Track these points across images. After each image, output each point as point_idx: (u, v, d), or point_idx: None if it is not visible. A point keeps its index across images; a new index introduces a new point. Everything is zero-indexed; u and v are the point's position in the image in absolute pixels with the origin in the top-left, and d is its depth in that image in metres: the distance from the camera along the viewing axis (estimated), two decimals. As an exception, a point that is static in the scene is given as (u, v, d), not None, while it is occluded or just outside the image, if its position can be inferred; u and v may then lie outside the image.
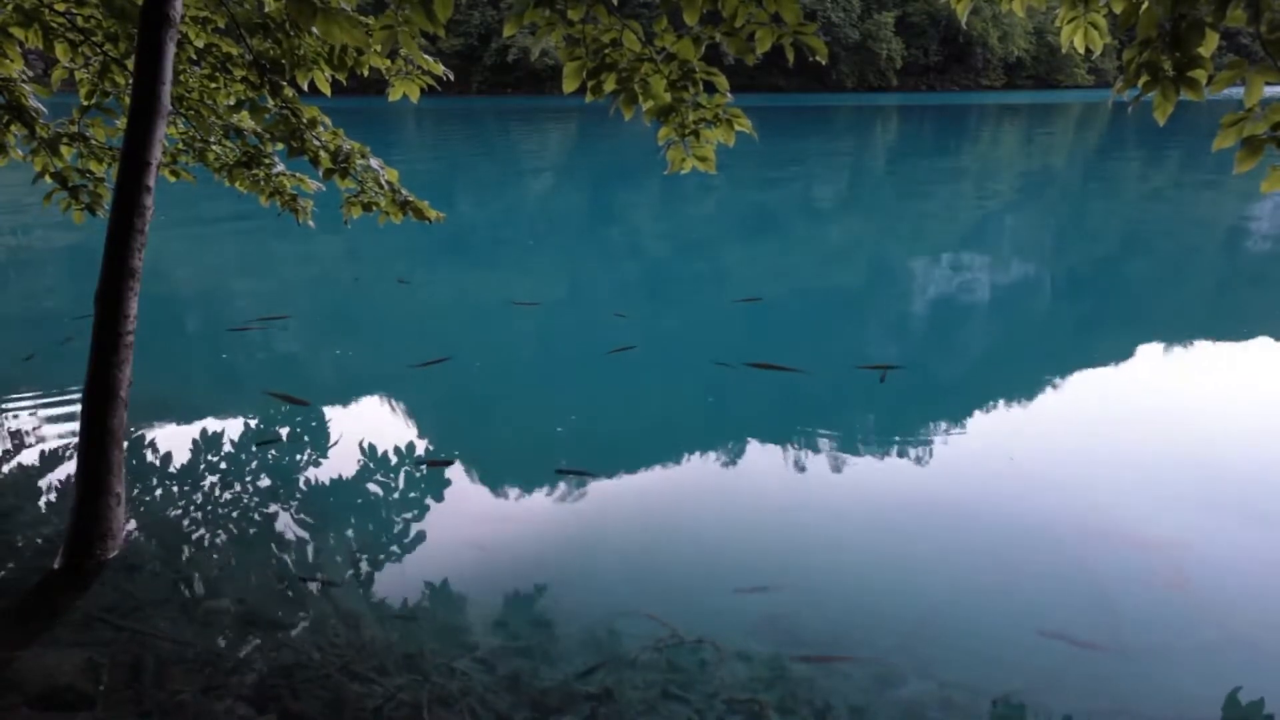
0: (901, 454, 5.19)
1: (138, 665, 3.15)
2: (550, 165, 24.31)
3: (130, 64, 4.65)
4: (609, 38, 3.71)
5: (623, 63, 3.75)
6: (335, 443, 5.31)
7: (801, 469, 5.02)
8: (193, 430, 5.42)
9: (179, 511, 4.39)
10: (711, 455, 5.20)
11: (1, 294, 9.52)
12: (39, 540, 4.04)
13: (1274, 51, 2.63)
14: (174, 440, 5.27)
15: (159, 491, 4.61)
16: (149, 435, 5.31)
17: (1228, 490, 4.74)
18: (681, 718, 2.99)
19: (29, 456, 4.99)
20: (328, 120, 5.15)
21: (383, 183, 5.31)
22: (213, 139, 5.48)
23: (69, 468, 4.79)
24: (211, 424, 5.53)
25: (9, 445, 5.14)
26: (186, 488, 4.66)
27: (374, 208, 5.42)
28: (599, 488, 4.75)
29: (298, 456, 5.11)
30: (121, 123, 5.08)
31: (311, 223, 5.78)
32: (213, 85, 5.18)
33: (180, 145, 5.57)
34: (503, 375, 6.66)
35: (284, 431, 5.44)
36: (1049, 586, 3.81)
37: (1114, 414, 5.89)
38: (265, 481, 4.76)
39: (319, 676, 3.13)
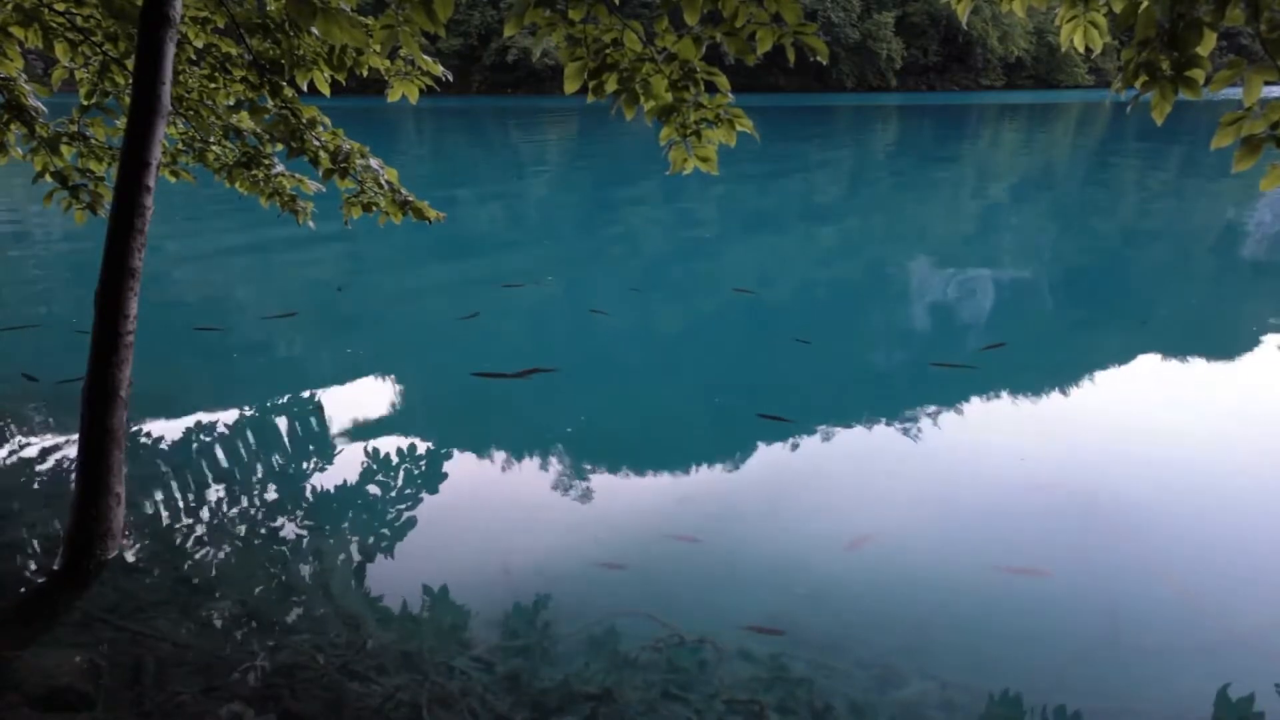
0: (903, 454, 5.19)
1: (138, 666, 3.15)
2: (556, 167, 24.32)
3: (130, 64, 4.65)
4: (610, 38, 3.71)
5: (624, 63, 3.75)
6: (336, 442, 5.31)
7: (802, 468, 5.02)
8: (193, 430, 5.42)
9: (179, 511, 4.39)
10: (712, 455, 5.20)
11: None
12: (39, 540, 4.04)
13: (1272, 50, 2.63)
14: (174, 440, 5.27)
15: (159, 491, 4.61)
16: (149, 435, 5.31)
17: (1229, 490, 4.75)
18: (681, 718, 3.00)
19: (29, 456, 4.99)
20: (327, 120, 5.15)
21: (382, 182, 5.31)
22: (212, 139, 5.48)
23: (69, 468, 4.80)
24: (212, 424, 5.53)
25: (9, 445, 5.14)
26: (186, 488, 4.66)
27: (374, 208, 5.42)
28: (601, 487, 4.76)
29: (298, 456, 5.11)
30: (121, 122, 5.08)
31: (312, 223, 5.78)
32: (212, 85, 5.18)
33: (180, 145, 5.57)
34: (507, 373, 6.66)
35: (285, 431, 5.44)
36: (1049, 586, 3.81)
37: (1116, 415, 5.90)
38: (265, 481, 4.76)
39: (319, 676, 3.13)
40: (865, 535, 4.23)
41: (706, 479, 4.90)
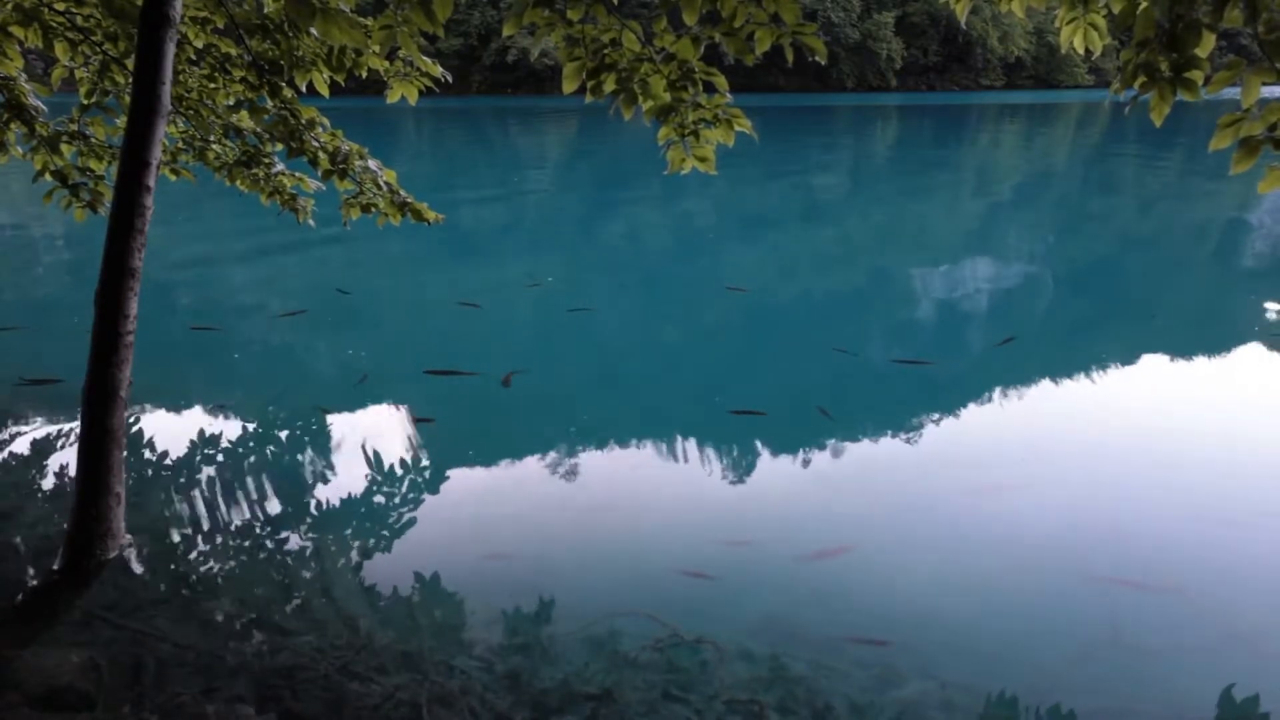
0: (905, 453, 5.19)
1: (138, 665, 3.15)
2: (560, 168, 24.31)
3: (130, 63, 4.65)
4: (608, 38, 3.71)
5: (622, 63, 3.75)
6: (335, 443, 5.31)
7: (803, 467, 5.02)
8: (193, 430, 5.42)
9: (179, 511, 4.39)
10: (709, 453, 5.20)
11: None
12: (39, 540, 4.04)
13: (1271, 52, 2.63)
14: (174, 440, 5.27)
15: (159, 491, 4.62)
16: (149, 435, 5.31)
17: (1228, 490, 4.75)
18: (681, 718, 3.00)
19: (29, 456, 4.99)
20: (326, 121, 5.15)
21: (381, 184, 5.31)
22: (212, 138, 5.48)
23: (69, 468, 4.80)
24: (212, 423, 5.53)
25: (9, 445, 5.14)
26: (186, 488, 4.67)
27: (372, 209, 5.42)
28: (601, 487, 4.76)
29: (298, 457, 5.12)
30: (121, 121, 5.08)
31: (312, 222, 5.78)
32: (212, 85, 5.18)
33: (180, 144, 5.57)
34: (506, 375, 6.66)
35: (284, 431, 5.44)
36: (1050, 586, 3.82)
37: (1116, 416, 5.90)
38: (265, 481, 4.76)
39: (319, 676, 3.14)
40: (860, 536, 4.23)
41: (715, 478, 4.90)
